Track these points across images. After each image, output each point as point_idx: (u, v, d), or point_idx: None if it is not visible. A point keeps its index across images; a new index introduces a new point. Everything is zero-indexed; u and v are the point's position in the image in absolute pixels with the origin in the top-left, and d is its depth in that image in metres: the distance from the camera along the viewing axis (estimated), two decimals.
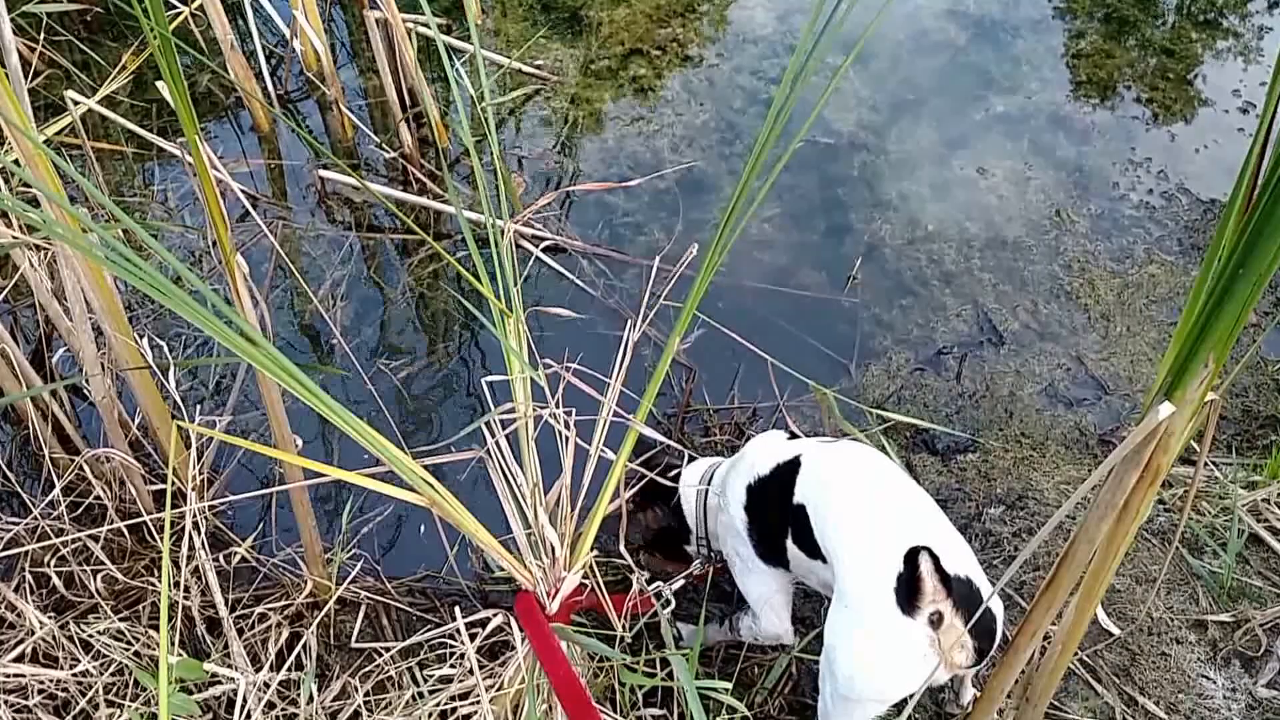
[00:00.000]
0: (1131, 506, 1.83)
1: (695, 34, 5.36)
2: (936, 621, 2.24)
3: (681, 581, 2.96)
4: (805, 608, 3.17)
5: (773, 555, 2.76)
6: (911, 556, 2.21)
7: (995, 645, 2.38)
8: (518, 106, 5.02)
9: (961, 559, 2.35)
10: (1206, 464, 3.53)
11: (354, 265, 4.35)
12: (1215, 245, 1.73)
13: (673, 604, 2.71)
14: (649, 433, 2.26)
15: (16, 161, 2.39)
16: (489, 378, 2.37)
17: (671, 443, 3.00)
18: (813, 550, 2.57)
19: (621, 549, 2.69)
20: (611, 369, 2.43)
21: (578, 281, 4.23)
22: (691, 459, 3.21)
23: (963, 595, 2.26)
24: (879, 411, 3.31)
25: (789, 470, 2.69)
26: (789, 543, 2.66)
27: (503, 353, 2.40)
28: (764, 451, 2.81)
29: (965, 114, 4.97)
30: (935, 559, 2.20)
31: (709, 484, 2.99)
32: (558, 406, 2.28)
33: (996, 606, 2.37)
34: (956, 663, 2.29)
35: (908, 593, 2.24)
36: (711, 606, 3.06)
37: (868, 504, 2.52)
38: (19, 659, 2.89)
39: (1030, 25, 5.44)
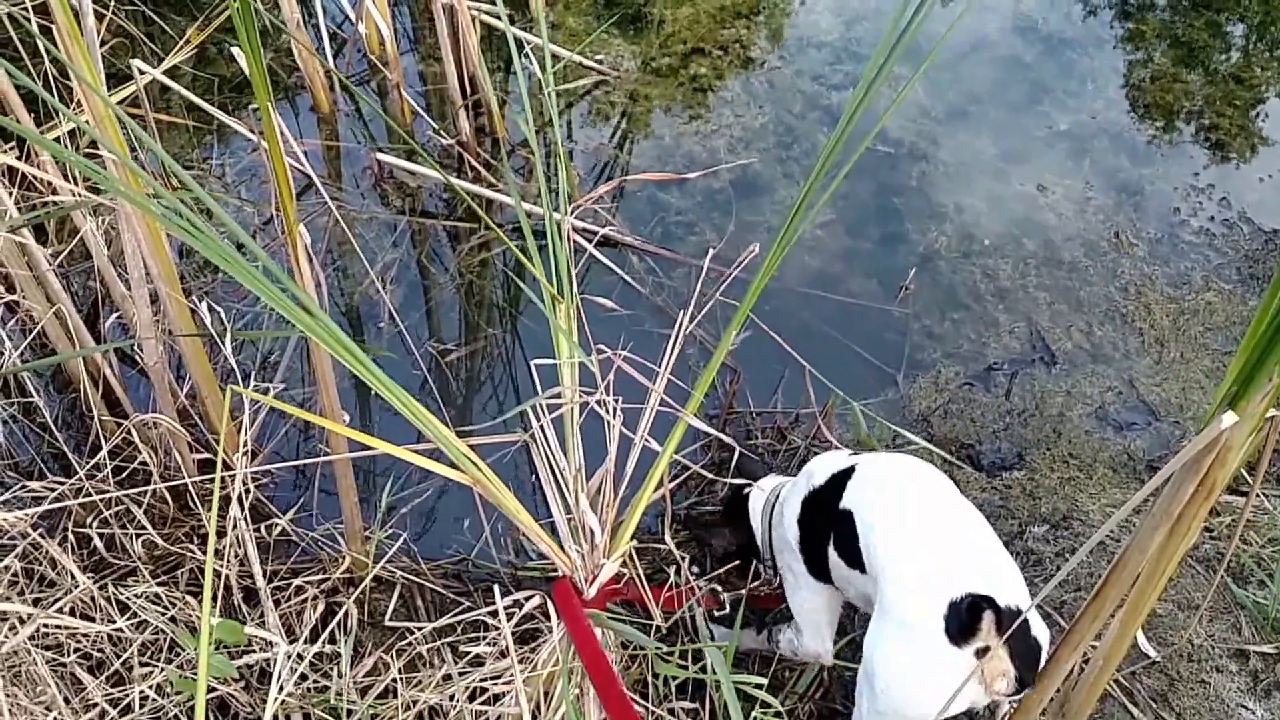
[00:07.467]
0: (1184, 520, 1.81)
1: (758, 36, 5.34)
2: (982, 651, 2.21)
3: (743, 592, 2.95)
4: (842, 617, 3.14)
5: (821, 569, 2.72)
6: (975, 608, 2.17)
7: (1037, 675, 2.33)
8: (575, 100, 5.03)
9: (1013, 588, 2.29)
10: (1257, 493, 3.47)
11: (404, 250, 4.37)
12: None
13: (727, 609, 2.69)
14: (699, 424, 2.26)
15: (88, 121, 2.42)
16: (538, 360, 2.37)
17: (724, 437, 3.00)
18: (853, 559, 2.52)
19: (666, 536, 2.68)
20: (659, 362, 2.43)
21: (626, 277, 4.22)
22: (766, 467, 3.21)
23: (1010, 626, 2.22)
24: (902, 431, 3.28)
25: (842, 478, 2.64)
26: (830, 549, 2.62)
27: (549, 344, 2.40)
28: (824, 466, 2.77)
29: (1027, 129, 4.92)
30: (997, 611, 2.17)
31: (776, 500, 2.97)
32: (606, 393, 2.28)
33: (1043, 635, 2.32)
34: (997, 690, 2.25)
35: (960, 628, 2.21)
36: (748, 613, 3.03)
37: (919, 521, 2.46)
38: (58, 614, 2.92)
39: (1097, 44, 5.38)
